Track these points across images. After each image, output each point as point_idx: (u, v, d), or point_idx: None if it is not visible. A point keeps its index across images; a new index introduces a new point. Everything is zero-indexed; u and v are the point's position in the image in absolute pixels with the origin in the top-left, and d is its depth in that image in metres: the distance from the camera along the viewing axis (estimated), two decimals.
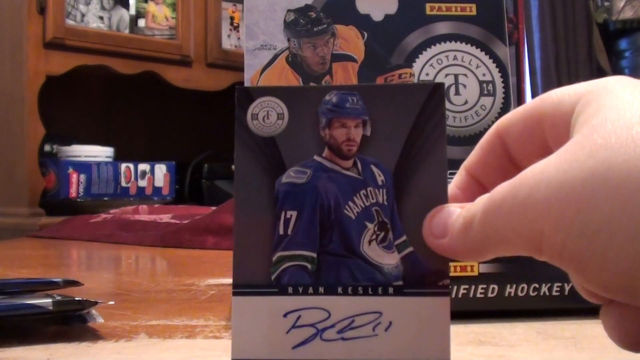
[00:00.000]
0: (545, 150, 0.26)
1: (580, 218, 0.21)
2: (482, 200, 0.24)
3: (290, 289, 0.26)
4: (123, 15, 1.90)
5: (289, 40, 0.49)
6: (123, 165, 1.79)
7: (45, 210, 1.62)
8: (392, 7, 0.49)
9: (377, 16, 0.49)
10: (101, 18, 1.85)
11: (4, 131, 1.68)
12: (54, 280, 0.42)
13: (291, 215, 0.27)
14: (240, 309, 0.26)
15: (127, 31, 1.90)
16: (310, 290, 0.26)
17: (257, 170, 0.27)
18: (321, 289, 0.26)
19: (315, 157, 0.27)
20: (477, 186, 0.29)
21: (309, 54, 0.49)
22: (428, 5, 0.49)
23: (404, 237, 0.27)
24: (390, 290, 0.26)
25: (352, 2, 0.49)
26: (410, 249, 0.26)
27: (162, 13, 1.96)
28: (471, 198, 0.26)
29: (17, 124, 1.65)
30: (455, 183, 0.29)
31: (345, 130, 0.27)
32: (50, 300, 0.36)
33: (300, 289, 0.26)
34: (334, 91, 0.27)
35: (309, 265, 0.26)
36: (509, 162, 0.28)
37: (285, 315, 0.26)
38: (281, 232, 0.27)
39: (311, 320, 0.26)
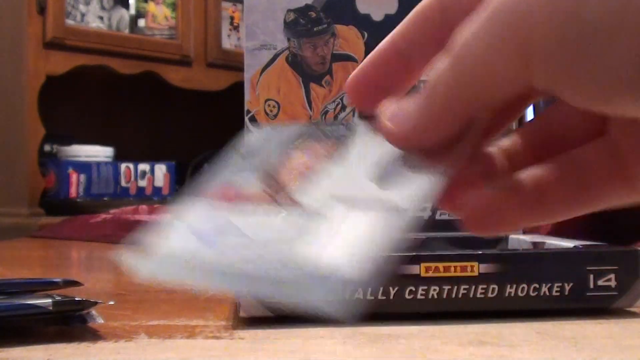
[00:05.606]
0: None
1: (574, 18, 0.18)
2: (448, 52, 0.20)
3: None
4: (123, 15, 1.90)
5: (289, 40, 0.49)
6: (123, 165, 1.79)
7: (45, 210, 1.63)
8: (392, 7, 0.49)
9: (377, 16, 0.49)
10: (101, 18, 1.85)
11: (4, 131, 1.68)
12: (54, 280, 0.41)
13: None
14: None
15: (127, 31, 1.90)
16: None
17: None
18: None
19: None
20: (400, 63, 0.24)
21: (309, 54, 0.49)
22: None
23: None
24: None
25: (352, 2, 0.49)
26: None
27: (162, 13, 1.96)
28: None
29: (17, 123, 1.65)
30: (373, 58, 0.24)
31: None
32: (50, 300, 0.36)
33: None
34: None
35: None
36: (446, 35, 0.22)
37: None
38: None
39: None
